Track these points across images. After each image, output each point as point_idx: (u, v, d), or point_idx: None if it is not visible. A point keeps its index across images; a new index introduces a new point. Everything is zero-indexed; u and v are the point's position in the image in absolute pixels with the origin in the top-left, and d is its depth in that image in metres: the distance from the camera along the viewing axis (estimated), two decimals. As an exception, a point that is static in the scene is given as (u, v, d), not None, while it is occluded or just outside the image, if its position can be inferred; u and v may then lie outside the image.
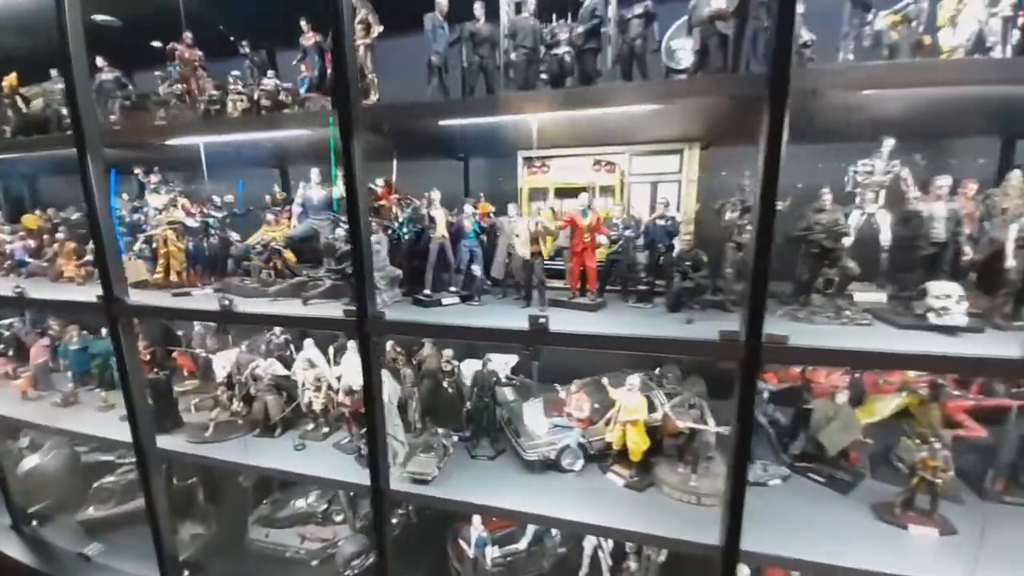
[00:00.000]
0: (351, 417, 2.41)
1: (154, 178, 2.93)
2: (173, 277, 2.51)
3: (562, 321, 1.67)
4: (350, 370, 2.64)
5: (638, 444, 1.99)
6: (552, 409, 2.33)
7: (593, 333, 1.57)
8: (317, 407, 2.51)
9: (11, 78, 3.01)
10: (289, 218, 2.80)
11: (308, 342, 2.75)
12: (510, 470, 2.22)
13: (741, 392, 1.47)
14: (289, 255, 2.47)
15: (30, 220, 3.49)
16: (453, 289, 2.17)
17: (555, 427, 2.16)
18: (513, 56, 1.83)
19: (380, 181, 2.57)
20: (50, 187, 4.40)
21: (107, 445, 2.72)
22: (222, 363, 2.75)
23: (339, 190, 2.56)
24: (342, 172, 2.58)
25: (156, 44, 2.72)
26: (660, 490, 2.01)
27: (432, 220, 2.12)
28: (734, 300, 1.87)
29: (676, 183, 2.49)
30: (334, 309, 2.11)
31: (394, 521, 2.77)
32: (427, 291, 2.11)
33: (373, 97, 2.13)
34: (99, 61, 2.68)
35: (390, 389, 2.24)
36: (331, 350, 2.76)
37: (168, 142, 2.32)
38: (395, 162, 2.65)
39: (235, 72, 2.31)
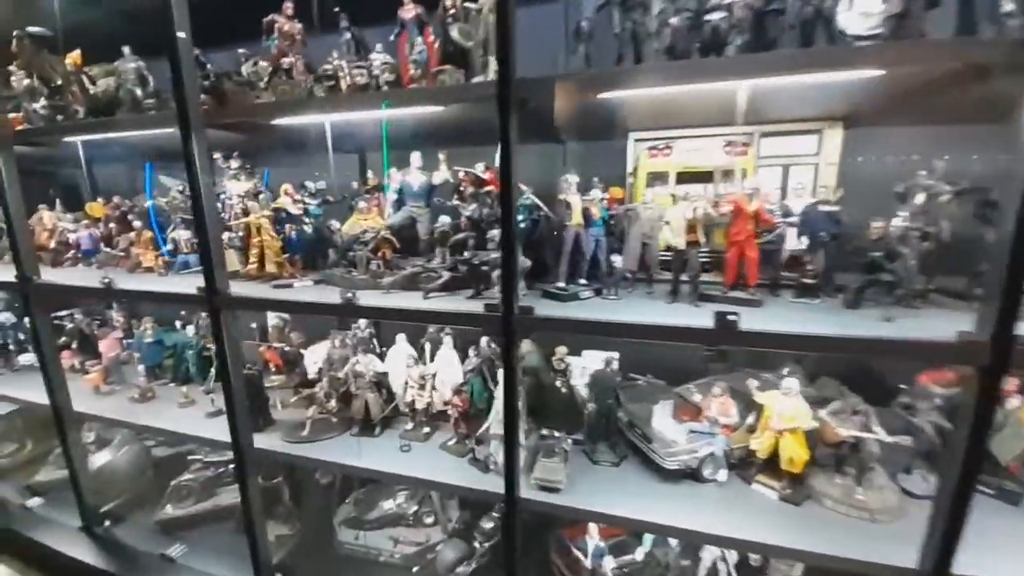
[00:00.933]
0: (461, 417, 2.25)
1: (234, 163, 2.78)
2: (270, 268, 2.36)
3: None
4: (448, 367, 2.50)
5: (798, 454, 1.81)
6: (680, 413, 2.16)
7: (798, 333, 1.39)
8: (420, 406, 2.36)
9: (75, 56, 2.87)
10: (378, 206, 2.64)
11: (400, 337, 2.60)
12: (637, 477, 2.06)
13: (978, 402, 1.28)
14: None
15: (95, 209, 3.36)
16: (583, 281, 2.00)
17: (693, 433, 1.99)
18: (675, 21, 1.63)
19: (481, 166, 2.39)
20: (102, 175, 4.27)
21: (203, 444, 2.58)
22: (314, 359, 2.61)
23: (441, 175, 2.41)
24: (443, 156, 2.45)
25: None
26: (820, 504, 1.83)
27: (569, 206, 1.93)
28: (918, 295, 1.67)
29: (811, 166, 2.28)
30: (455, 303, 1.95)
31: (488, 526, 2.63)
32: (561, 284, 1.93)
33: (491, 71, 1.94)
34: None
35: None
36: (426, 346, 2.61)
37: (261, 122, 2.16)
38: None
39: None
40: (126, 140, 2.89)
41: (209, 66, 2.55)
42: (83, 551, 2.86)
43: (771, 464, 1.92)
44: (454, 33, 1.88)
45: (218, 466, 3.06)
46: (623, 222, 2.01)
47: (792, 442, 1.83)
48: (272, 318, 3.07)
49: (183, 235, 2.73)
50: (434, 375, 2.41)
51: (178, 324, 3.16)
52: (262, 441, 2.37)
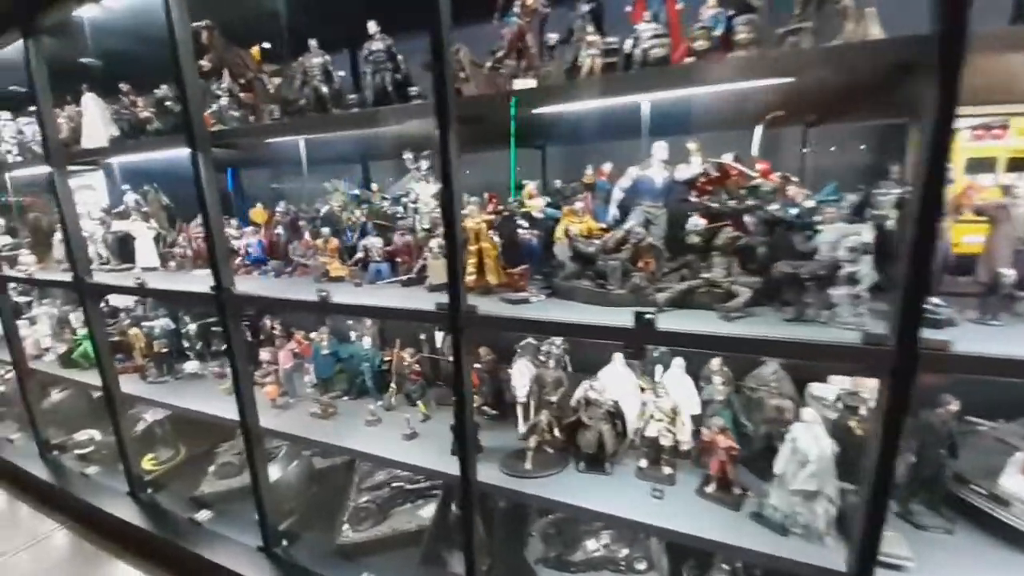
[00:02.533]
0: (729, 460, 1.88)
1: (424, 163, 2.56)
2: (490, 279, 2.09)
3: None
4: (685, 395, 2.14)
5: None
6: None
7: None
8: (666, 443, 2.01)
9: (256, 52, 2.74)
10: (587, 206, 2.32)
11: (617, 357, 2.27)
12: (990, 550, 1.61)
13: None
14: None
15: (258, 214, 3.27)
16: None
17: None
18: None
19: (729, 156, 2.00)
20: (249, 180, 4.27)
21: (417, 472, 2.36)
22: (522, 380, 2.33)
23: (691, 168, 2.05)
24: (695, 145, 2.09)
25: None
26: None
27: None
28: None
29: None
30: (767, 326, 1.57)
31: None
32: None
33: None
34: (371, 27, 2.31)
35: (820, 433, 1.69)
36: (658, 369, 2.26)
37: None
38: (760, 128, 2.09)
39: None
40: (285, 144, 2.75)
41: (399, 58, 2.35)
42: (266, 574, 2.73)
43: None
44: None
45: (406, 489, 2.87)
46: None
47: None
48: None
49: (375, 243, 2.52)
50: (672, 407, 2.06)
51: (353, 335, 3.00)
52: (483, 473, 2.10)
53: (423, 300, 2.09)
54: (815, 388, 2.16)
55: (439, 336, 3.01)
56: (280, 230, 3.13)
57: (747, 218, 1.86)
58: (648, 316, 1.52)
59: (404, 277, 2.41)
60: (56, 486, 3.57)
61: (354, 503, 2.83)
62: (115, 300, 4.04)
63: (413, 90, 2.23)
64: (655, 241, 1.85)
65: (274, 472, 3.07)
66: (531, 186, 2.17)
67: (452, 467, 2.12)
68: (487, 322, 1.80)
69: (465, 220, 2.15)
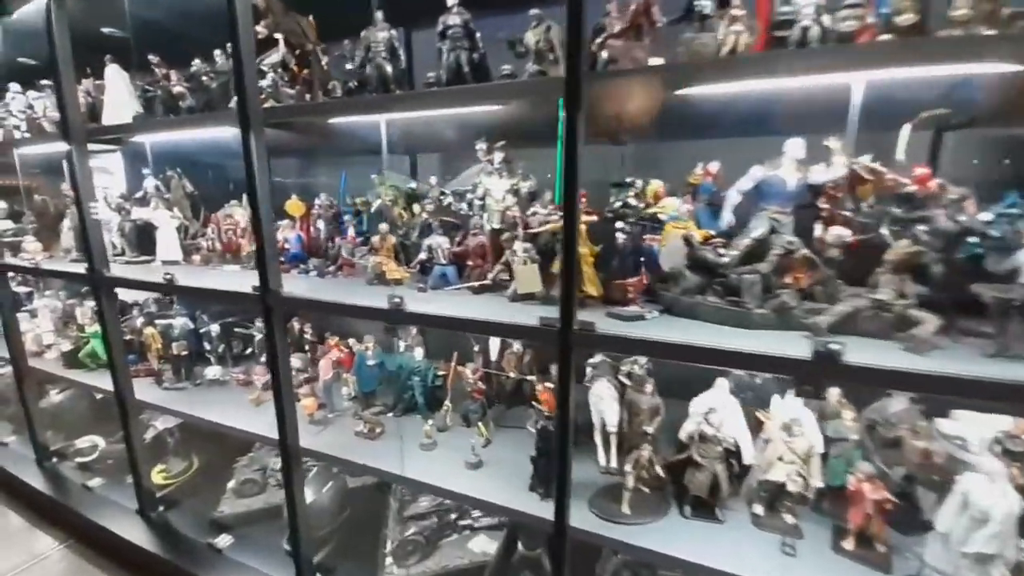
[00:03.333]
0: (879, 513, 1.59)
1: (498, 156, 2.26)
2: (589, 290, 1.80)
3: None
4: (813, 435, 1.85)
5: None
6: None
7: None
8: (794, 488, 1.73)
9: (312, 21, 2.44)
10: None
11: (721, 383, 1.98)
12: None
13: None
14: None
15: (295, 207, 2.96)
16: None
17: None
18: None
19: (867, 159, 1.74)
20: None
21: (503, 514, 2.05)
22: (612, 406, 2.04)
23: (833, 170, 1.77)
24: (837, 144, 1.81)
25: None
26: None
27: None
28: None
29: None
30: (962, 361, 1.29)
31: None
32: None
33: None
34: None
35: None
36: (776, 399, 1.97)
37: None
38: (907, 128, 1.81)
39: None
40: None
41: (477, 35, 2.06)
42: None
43: None
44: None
45: (455, 520, 2.56)
46: None
47: None
48: (515, 344, 2.54)
49: (442, 243, 2.22)
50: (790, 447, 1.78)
51: (401, 345, 2.69)
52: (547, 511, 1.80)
53: (509, 312, 1.80)
54: (944, 425, 1.90)
55: (493, 348, 2.72)
56: (321, 224, 2.83)
57: (884, 229, 1.61)
58: (832, 346, 1.23)
59: (476, 283, 2.11)
60: (55, 499, 3.23)
61: (399, 535, 2.51)
62: (124, 294, 3.71)
63: (505, 68, 1.94)
64: (809, 254, 1.56)
65: (308, 494, 2.74)
66: (659, 185, 1.88)
67: (532, 505, 1.84)
68: (606, 343, 1.51)
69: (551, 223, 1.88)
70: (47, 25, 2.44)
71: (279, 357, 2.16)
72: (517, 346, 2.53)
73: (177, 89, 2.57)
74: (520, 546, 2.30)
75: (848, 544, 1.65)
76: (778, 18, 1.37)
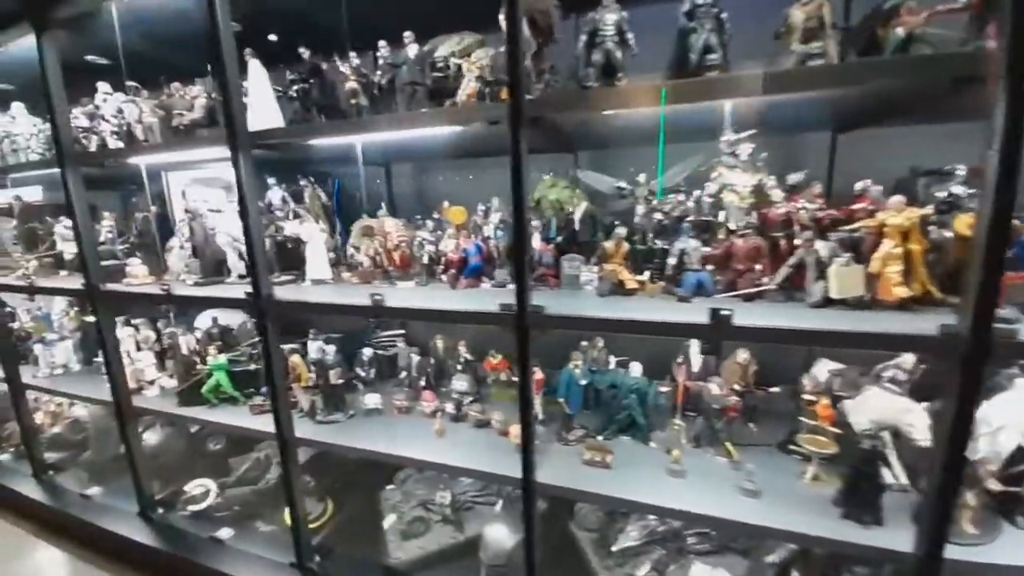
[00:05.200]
0: None
1: (745, 149, 2.08)
2: (916, 289, 1.62)
3: None
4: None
5: None
6: None
7: None
8: None
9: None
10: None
11: (1021, 382, 1.83)
12: None
13: None
14: None
15: (456, 214, 2.70)
16: None
17: None
18: None
19: None
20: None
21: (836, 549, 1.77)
22: (868, 414, 1.87)
23: None
24: None
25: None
26: None
27: None
28: None
29: None
30: None
31: None
32: None
33: None
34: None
35: None
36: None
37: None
38: None
39: None
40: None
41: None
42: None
43: None
44: None
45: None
46: None
47: None
48: (741, 353, 2.34)
49: (694, 246, 2.01)
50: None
51: (612, 360, 2.46)
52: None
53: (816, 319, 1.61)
54: None
55: (695, 359, 2.52)
56: (497, 232, 2.57)
57: None
58: None
59: (753, 289, 1.91)
60: (180, 555, 2.83)
61: (631, 570, 2.27)
62: (225, 319, 3.35)
63: (712, 58, 1.76)
64: None
65: (498, 533, 2.48)
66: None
67: (865, 536, 1.65)
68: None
69: (885, 215, 1.69)
70: (208, 16, 2.10)
71: (528, 383, 1.90)
72: (743, 357, 2.33)
73: (350, 85, 2.28)
74: (796, 576, 2.09)
75: None
76: None
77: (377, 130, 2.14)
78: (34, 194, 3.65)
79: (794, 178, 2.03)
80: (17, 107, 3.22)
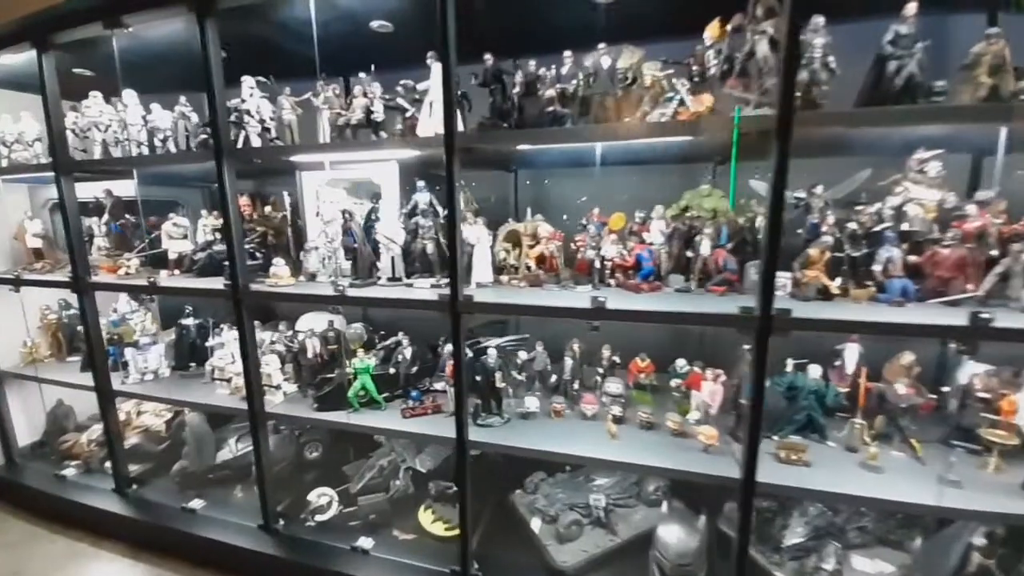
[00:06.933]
0: None
1: (935, 165, 2.24)
2: None
3: None
4: None
5: None
6: None
7: None
8: None
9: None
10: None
11: None
12: None
13: None
14: None
15: (616, 220, 2.75)
16: None
17: None
18: None
19: None
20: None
21: None
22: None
23: None
24: None
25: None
26: None
27: None
28: None
29: None
30: None
31: None
32: None
33: None
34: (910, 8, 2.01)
35: None
36: None
37: None
38: None
39: None
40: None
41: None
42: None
43: None
44: None
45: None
46: None
47: None
48: (906, 355, 2.50)
49: (897, 254, 2.16)
50: None
51: (790, 364, 2.56)
52: None
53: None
54: None
55: (850, 359, 2.66)
56: (663, 237, 2.65)
57: None
58: None
59: (963, 295, 2.06)
60: (324, 568, 2.72)
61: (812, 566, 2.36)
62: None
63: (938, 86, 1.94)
64: None
65: (679, 533, 2.52)
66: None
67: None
68: None
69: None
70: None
71: (760, 392, 1.97)
72: (908, 359, 2.49)
73: (549, 93, 2.32)
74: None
75: None
76: None
77: (595, 140, 2.20)
78: (125, 188, 3.43)
79: (983, 195, 2.20)
80: (128, 95, 3.05)
